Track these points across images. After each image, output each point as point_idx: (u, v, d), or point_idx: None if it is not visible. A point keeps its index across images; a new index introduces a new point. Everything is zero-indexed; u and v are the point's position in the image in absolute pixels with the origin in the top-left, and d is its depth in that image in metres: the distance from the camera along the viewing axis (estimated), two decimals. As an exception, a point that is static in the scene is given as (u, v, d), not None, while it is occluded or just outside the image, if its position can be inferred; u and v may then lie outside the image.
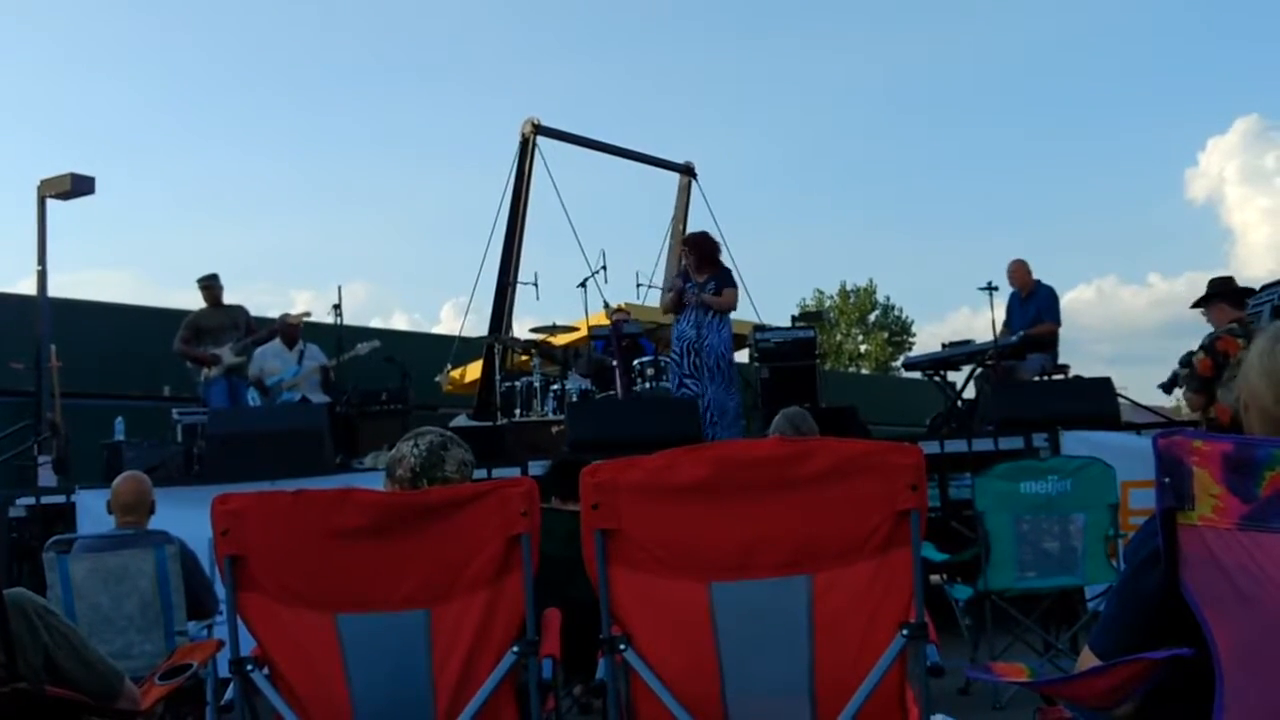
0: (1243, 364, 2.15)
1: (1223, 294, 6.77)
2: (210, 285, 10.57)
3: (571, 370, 10.44)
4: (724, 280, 9.21)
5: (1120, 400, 8.67)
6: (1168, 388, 6.98)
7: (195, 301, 10.71)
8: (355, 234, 58.67)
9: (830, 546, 2.65)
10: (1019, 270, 10.19)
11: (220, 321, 10.44)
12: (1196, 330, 6.98)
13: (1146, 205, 66.12)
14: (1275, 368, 2.05)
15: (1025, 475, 6.02)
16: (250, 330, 10.51)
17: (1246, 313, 8.37)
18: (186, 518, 5.27)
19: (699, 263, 9.22)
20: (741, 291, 9.72)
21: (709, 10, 62.01)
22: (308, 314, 10.66)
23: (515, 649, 2.79)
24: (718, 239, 9.68)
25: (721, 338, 9.14)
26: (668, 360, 9.57)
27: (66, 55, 51.84)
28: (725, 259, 9.60)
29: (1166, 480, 1.92)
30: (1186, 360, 6.67)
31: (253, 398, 10.18)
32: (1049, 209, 63.09)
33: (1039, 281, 10.20)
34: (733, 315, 9.40)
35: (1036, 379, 9.66)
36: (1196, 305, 6.98)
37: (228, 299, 10.70)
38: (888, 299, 46.09)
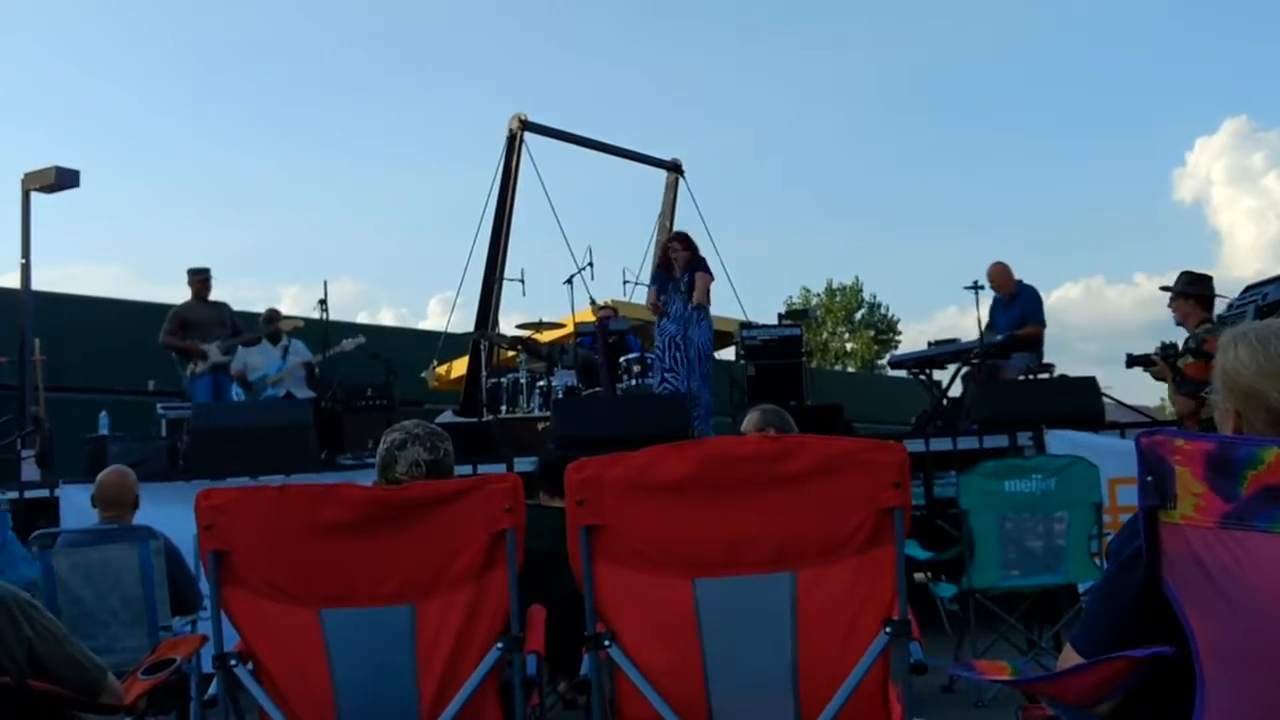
0: (1223, 371, 2.14)
1: (1199, 297, 6.81)
2: (203, 278, 10.49)
3: (558, 367, 10.44)
4: (696, 267, 9.37)
5: (1105, 400, 8.70)
6: (1134, 362, 6.99)
7: (181, 296, 10.67)
8: (344, 230, 58.66)
9: (814, 544, 2.65)
10: (1000, 273, 10.20)
11: (207, 316, 10.39)
12: (1182, 332, 6.98)
13: (1134, 205, 66.40)
14: (1274, 366, 2.06)
15: (1010, 474, 6.04)
16: (236, 329, 10.47)
17: (1228, 313, 8.41)
18: (171, 513, 5.26)
19: (686, 261, 9.37)
20: (728, 289, 9.86)
21: (698, 7, 62.02)
22: (300, 324, 10.61)
23: (500, 645, 2.79)
24: (690, 236, 9.89)
25: (702, 333, 9.32)
26: (653, 356, 9.64)
27: (52, 48, 51.62)
28: (710, 256, 9.81)
29: (1149, 479, 1.93)
30: (1168, 354, 6.68)
31: (237, 393, 10.14)
32: (1037, 208, 63.37)
33: (1021, 282, 10.22)
34: (720, 313, 9.50)
35: (1021, 378, 9.68)
36: (1170, 292, 6.98)
37: (214, 294, 10.66)
38: (874, 297, 46.23)
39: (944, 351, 10.42)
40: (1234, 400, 2.11)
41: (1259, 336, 2.10)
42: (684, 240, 9.67)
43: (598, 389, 9.92)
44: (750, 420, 4.90)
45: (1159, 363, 6.62)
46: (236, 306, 11.06)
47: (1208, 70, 62.44)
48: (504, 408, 10.16)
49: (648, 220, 15.09)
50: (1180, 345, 6.68)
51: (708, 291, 9.42)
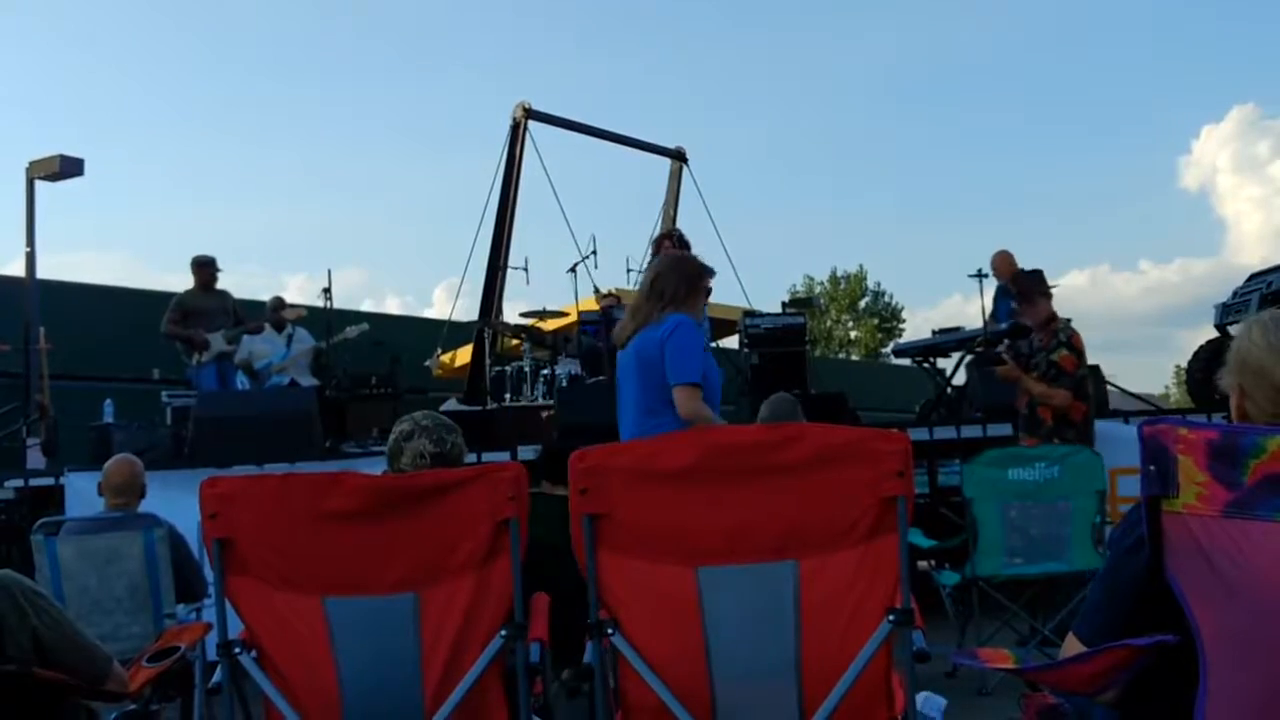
0: (1236, 351, 2.19)
1: (1043, 290, 6.92)
2: (207, 266, 10.45)
3: (561, 355, 10.44)
4: None
5: (1109, 387, 8.69)
6: (989, 362, 7.13)
7: (186, 283, 10.65)
8: (348, 218, 58.67)
9: (817, 532, 2.65)
10: (1003, 261, 10.18)
11: (210, 305, 10.37)
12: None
13: (1140, 193, 66.30)
14: None
15: (1013, 462, 6.04)
16: (238, 318, 10.45)
17: (1232, 299, 8.44)
18: (175, 501, 5.28)
19: None
20: (731, 277, 9.78)
21: (701, -5, 61.89)
22: (303, 313, 10.61)
23: (503, 633, 2.80)
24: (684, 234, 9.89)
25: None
26: None
27: (57, 35, 51.62)
28: (714, 244, 9.77)
29: (1151, 468, 1.94)
30: (1022, 353, 6.81)
31: (241, 382, 10.14)
32: (1043, 195, 63.31)
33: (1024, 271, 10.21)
34: (724, 301, 9.45)
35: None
36: (1019, 302, 7.12)
37: (218, 282, 10.64)
38: (878, 285, 46.28)
39: (948, 340, 10.42)
40: (1241, 377, 2.17)
41: (1273, 319, 2.17)
42: (676, 240, 9.63)
43: (601, 377, 9.92)
44: (761, 414, 4.95)
45: (1009, 361, 6.75)
46: (241, 294, 11.06)
47: (1215, 58, 62.38)
48: (508, 396, 10.17)
49: (652, 209, 15.10)
50: (1029, 344, 6.84)
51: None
